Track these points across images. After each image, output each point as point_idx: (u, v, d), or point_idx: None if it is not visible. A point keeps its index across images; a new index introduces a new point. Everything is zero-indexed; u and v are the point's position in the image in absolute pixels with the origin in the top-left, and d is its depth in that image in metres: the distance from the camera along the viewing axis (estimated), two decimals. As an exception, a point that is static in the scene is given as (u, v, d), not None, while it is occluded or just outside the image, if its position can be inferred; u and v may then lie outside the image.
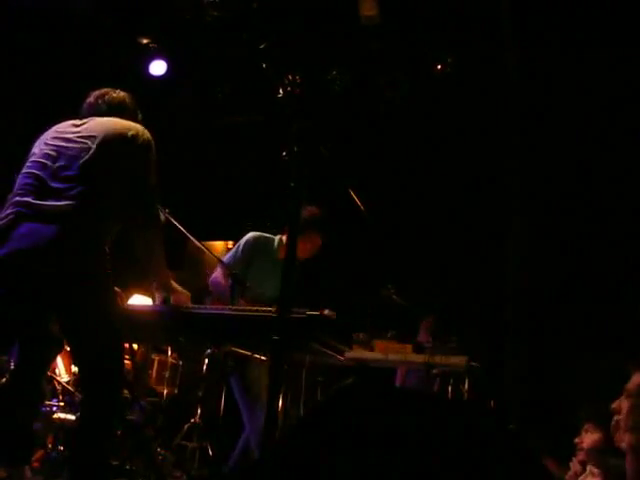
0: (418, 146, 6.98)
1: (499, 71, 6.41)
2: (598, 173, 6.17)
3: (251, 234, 4.46)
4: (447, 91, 6.63)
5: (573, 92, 6.19)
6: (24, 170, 2.86)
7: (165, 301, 3.20)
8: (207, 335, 3.28)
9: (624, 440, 3.13)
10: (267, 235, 4.49)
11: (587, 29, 5.89)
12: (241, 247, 4.41)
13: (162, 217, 3.03)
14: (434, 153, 6.94)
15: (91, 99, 3.08)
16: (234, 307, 3.34)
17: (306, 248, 4.26)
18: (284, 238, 4.44)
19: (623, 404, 3.25)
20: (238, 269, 4.15)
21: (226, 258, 4.37)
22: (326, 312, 3.01)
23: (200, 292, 4.07)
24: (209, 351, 4.22)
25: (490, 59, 6.42)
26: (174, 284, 3.17)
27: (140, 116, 3.12)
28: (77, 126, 2.93)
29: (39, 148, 2.90)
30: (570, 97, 6.22)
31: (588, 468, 3.76)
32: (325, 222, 4.39)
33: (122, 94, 3.12)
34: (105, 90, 3.11)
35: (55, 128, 2.98)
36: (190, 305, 3.21)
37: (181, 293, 3.18)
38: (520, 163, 6.46)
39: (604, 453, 3.70)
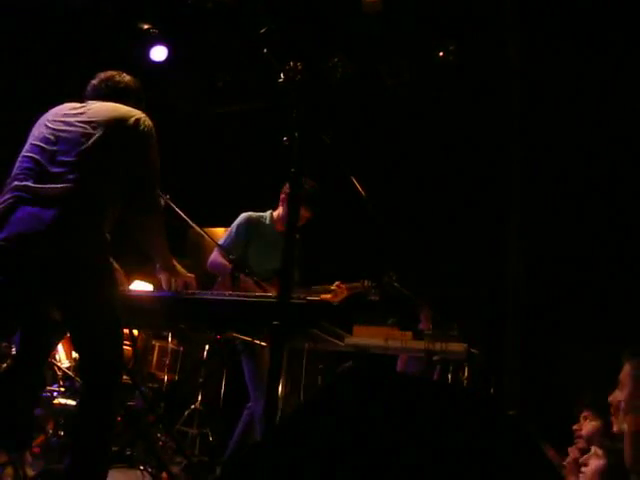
0: (419, 133, 6.96)
1: (501, 59, 6.38)
2: (601, 160, 6.17)
3: (243, 215, 4.51)
4: (449, 79, 6.61)
5: (576, 81, 6.17)
6: (23, 153, 2.84)
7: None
8: (208, 321, 3.28)
9: (624, 424, 3.15)
10: (258, 213, 4.56)
11: (590, 18, 5.87)
12: (235, 229, 4.45)
13: (162, 202, 3.02)
14: (435, 140, 6.92)
15: (95, 82, 3.06)
16: (235, 293, 3.34)
17: None
18: (275, 213, 4.57)
19: (618, 393, 3.27)
20: (236, 251, 4.17)
21: (221, 242, 4.39)
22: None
23: (202, 278, 4.07)
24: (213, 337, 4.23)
25: (492, 46, 6.39)
26: (178, 266, 3.16)
27: (144, 100, 3.10)
28: (78, 109, 2.91)
29: (39, 131, 2.88)
30: (573, 86, 6.20)
31: (593, 449, 3.76)
32: (314, 196, 4.42)
33: (127, 78, 3.10)
34: (110, 73, 3.08)
35: (55, 110, 2.95)
36: (195, 289, 3.20)
37: (185, 275, 3.17)
38: (522, 150, 6.44)
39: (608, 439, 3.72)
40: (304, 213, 4.45)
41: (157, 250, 3.04)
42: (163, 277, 3.16)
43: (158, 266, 3.12)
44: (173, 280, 3.14)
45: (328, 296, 4.61)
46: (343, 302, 4.72)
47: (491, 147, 6.56)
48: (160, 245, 3.01)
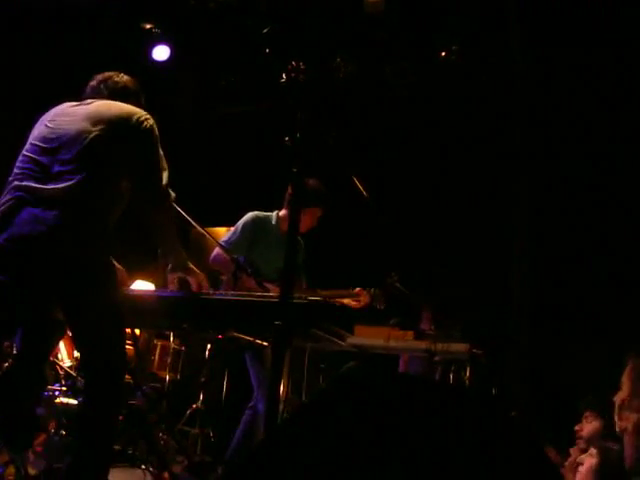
0: (422, 134, 6.96)
1: (505, 59, 6.38)
2: (603, 160, 6.16)
3: (249, 215, 4.50)
4: (453, 79, 6.61)
5: (580, 82, 6.17)
6: (23, 152, 2.84)
7: (182, 285, 3.16)
8: (210, 321, 3.28)
9: (628, 421, 3.18)
10: (264, 213, 4.56)
11: (594, 18, 5.86)
12: (241, 227, 4.43)
13: (172, 196, 2.98)
14: (439, 141, 6.92)
15: (94, 83, 3.05)
16: (237, 293, 3.34)
17: (306, 221, 4.26)
18: (281, 213, 4.54)
19: (620, 393, 3.29)
20: (239, 250, 4.17)
21: (225, 239, 4.38)
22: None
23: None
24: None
25: (496, 47, 6.39)
26: (191, 265, 3.09)
27: (143, 100, 3.09)
28: (78, 107, 2.91)
29: (38, 130, 2.88)
30: (577, 87, 6.20)
31: (589, 450, 3.80)
32: (324, 194, 4.43)
33: (125, 78, 3.08)
34: (108, 74, 3.07)
35: (55, 110, 2.94)
36: (207, 288, 3.18)
37: (198, 273, 3.12)
38: (526, 151, 6.44)
39: (604, 439, 3.75)
40: (316, 212, 4.46)
41: (168, 247, 2.99)
42: (175, 277, 3.10)
43: (170, 266, 3.06)
44: (178, 278, 3.10)
45: (352, 302, 4.61)
46: (366, 308, 4.73)
47: (495, 147, 6.55)
48: (171, 241, 2.97)
